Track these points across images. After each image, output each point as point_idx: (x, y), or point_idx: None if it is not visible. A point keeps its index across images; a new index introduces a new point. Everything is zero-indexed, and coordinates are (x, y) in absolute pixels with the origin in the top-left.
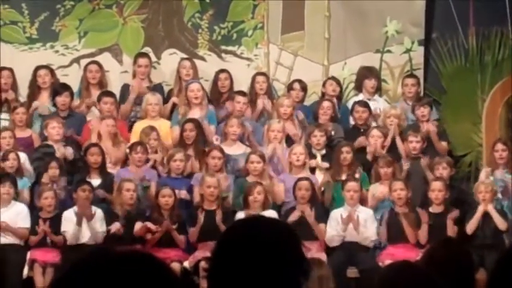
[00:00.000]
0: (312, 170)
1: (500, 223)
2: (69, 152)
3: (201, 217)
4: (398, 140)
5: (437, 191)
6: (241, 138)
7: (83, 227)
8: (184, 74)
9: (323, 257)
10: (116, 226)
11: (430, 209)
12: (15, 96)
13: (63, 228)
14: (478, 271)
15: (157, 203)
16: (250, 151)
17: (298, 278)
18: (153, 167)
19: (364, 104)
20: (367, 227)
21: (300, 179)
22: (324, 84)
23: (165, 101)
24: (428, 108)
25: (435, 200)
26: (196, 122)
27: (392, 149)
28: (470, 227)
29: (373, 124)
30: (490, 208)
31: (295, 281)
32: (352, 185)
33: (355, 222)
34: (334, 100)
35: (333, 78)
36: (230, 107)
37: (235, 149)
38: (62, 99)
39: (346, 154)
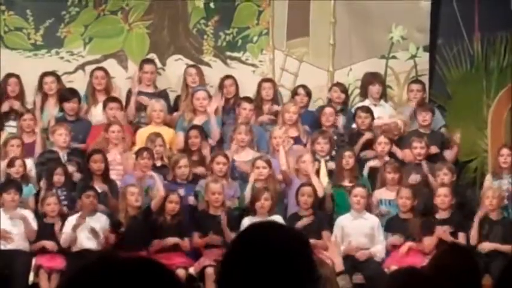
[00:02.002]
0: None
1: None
2: (74, 173)
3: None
4: (394, 147)
5: (442, 196)
6: (250, 144)
7: (81, 235)
8: (191, 81)
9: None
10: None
11: (437, 216)
12: (22, 103)
13: (63, 230)
14: (484, 277)
15: (163, 208)
16: (256, 157)
17: (308, 286)
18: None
19: (367, 110)
20: (375, 237)
21: (302, 185)
22: (329, 90)
23: (173, 107)
24: (430, 113)
25: (441, 206)
26: (200, 128)
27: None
28: (473, 237)
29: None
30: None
31: None
32: (359, 190)
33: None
34: (338, 106)
35: (338, 84)
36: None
37: (244, 156)
38: (70, 105)
39: (348, 159)
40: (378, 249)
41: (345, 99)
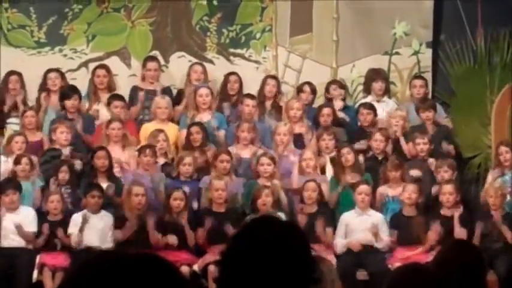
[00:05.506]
0: (322, 171)
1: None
2: (77, 163)
3: (209, 220)
4: (402, 141)
5: (448, 194)
6: (253, 141)
7: (87, 232)
8: (196, 78)
9: (332, 259)
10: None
11: (441, 212)
12: (24, 100)
13: (69, 230)
14: (489, 273)
15: (168, 205)
16: (261, 153)
17: (308, 284)
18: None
19: (369, 106)
20: (379, 233)
21: (307, 181)
22: (327, 88)
23: (175, 102)
24: (432, 112)
25: (446, 203)
26: (202, 125)
27: (400, 150)
28: (476, 239)
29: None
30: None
31: (304, 286)
32: (363, 187)
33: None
34: (335, 104)
35: (335, 81)
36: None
37: (247, 153)
38: (71, 102)
39: (347, 155)
40: (383, 244)
41: (344, 95)
